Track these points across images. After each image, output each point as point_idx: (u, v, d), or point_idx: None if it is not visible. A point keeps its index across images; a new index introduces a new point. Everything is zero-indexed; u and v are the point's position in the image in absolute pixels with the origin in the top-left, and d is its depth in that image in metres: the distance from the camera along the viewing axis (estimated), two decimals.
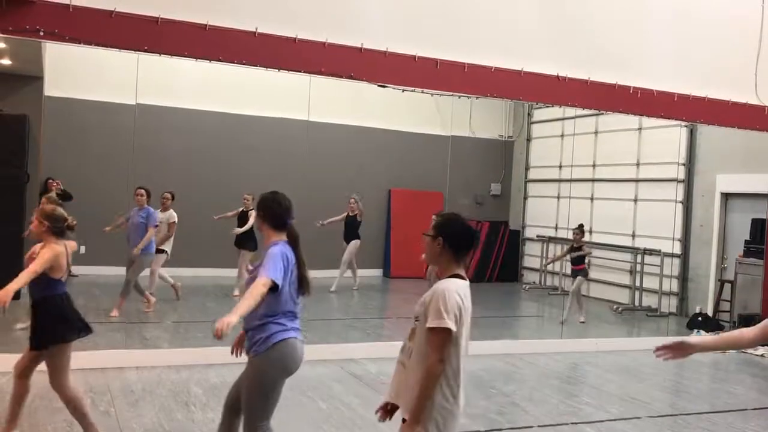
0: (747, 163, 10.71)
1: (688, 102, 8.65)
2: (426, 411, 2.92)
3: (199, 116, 12.38)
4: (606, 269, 12.89)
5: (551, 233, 13.96)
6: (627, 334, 10.85)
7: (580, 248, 10.51)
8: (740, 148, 10.69)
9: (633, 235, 12.47)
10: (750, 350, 9.24)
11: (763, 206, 10.32)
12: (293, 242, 3.84)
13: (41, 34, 5.91)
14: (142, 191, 8.85)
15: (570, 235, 12.67)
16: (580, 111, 11.80)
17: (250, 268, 3.79)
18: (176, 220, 9.51)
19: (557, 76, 7.99)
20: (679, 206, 11.70)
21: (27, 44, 7.61)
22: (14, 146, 9.35)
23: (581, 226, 10.84)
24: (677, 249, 11.72)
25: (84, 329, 4.49)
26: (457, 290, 2.99)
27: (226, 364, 6.57)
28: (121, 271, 9.14)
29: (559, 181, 13.90)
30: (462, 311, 2.98)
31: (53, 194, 7.53)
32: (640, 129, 12.32)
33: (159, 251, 9.51)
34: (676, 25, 8.62)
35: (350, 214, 11.71)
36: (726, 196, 11.22)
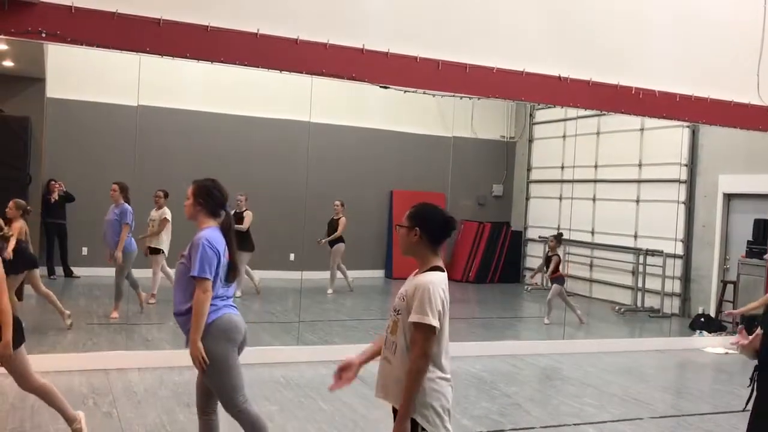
0: (749, 164, 10.69)
1: (690, 102, 8.65)
2: (420, 401, 2.93)
3: (200, 117, 12.38)
4: (608, 270, 12.87)
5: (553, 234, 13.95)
6: (629, 335, 10.84)
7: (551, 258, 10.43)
8: (742, 148, 10.68)
9: (635, 236, 12.46)
10: None
11: (766, 207, 10.31)
12: (227, 229, 3.88)
13: (43, 35, 5.93)
14: (116, 186, 8.51)
15: (572, 237, 12.69)
16: (582, 112, 11.77)
17: (184, 253, 3.81)
18: (169, 217, 9.39)
19: (559, 77, 7.99)
20: (682, 207, 11.68)
21: (29, 46, 7.62)
22: (16, 148, 9.36)
23: (558, 234, 10.83)
24: (679, 250, 11.70)
25: (22, 336, 4.37)
26: (440, 284, 2.97)
27: None
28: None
29: (561, 181, 13.89)
30: (445, 305, 2.97)
31: (21, 201, 7.41)
32: (642, 130, 12.31)
33: (156, 251, 9.44)
34: (678, 25, 8.62)
35: (334, 218, 11.67)
36: (728, 197, 11.20)
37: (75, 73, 11.20)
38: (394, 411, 3.06)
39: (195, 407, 5.47)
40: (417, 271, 3.11)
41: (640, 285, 12.20)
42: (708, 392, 7.39)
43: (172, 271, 9.75)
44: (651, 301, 12.07)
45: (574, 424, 5.80)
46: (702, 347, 9.45)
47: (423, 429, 2.96)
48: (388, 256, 14.02)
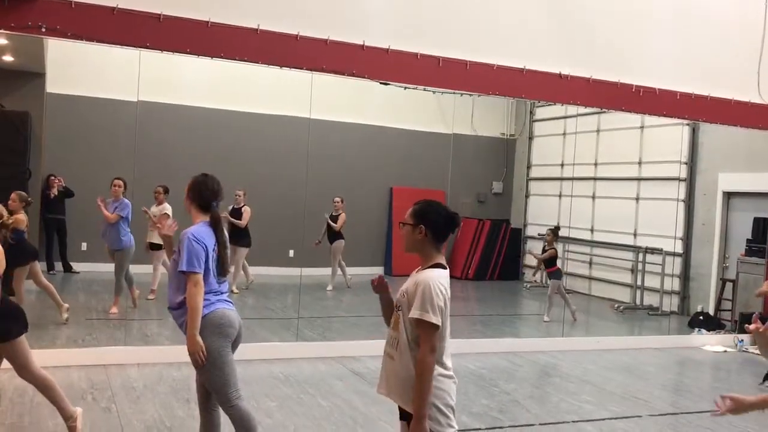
0: (749, 162, 10.69)
1: (691, 100, 8.65)
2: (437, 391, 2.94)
3: (200, 113, 12.38)
4: (607, 268, 12.88)
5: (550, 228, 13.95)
6: (628, 332, 10.85)
7: (548, 250, 10.42)
8: (742, 146, 10.68)
9: (635, 234, 12.46)
10: (752, 349, 9.24)
11: (765, 205, 10.31)
12: (215, 224, 3.88)
13: (43, 30, 5.92)
14: (120, 182, 8.54)
15: (571, 234, 12.69)
16: (582, 109, 11.77)
17: (175, 249, 3.84)
18: (170, 212, 9.38)
19: (559, 75, 7.98)
20: (681, 205, 11.68)
21: (29, 41, 7.62)
22: (16, 143, 9.37)
23: (555, 228, 10.83)
24: (679, 248, 11.71)
25: (24, 326, 4.37)
26: (440, 281, 2.97)
27: None
28: None
29: (561, 179, 13.89)
30: (446, 302, 2.98)
31: (22, 193, 7.43)
32: (642, 127, 12.30)
33: (156, 246, 9.41)
34: (678, 23, 8.61)
35: (334, 214, 11.64)
36: (728, 195, 11.20)
37: (75, 69, 11.19)
38: (401, 408, 3.06)
39: (194, 403, 5.49)
40: (419, 267, 3.11)
41: (639, 283, 12.20)
42: (706, 390, 7.39)
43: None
44: (650, 299, 12.07)
45: (573, 422, 5.81)
46: (701, 345, 9.45)
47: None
48: (388, 252, 14.02)
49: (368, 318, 9.92)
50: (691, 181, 11.72)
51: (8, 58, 9.49)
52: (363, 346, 7.59)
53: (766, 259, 9.93)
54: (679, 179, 11.74)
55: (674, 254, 11.71)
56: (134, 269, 8.81)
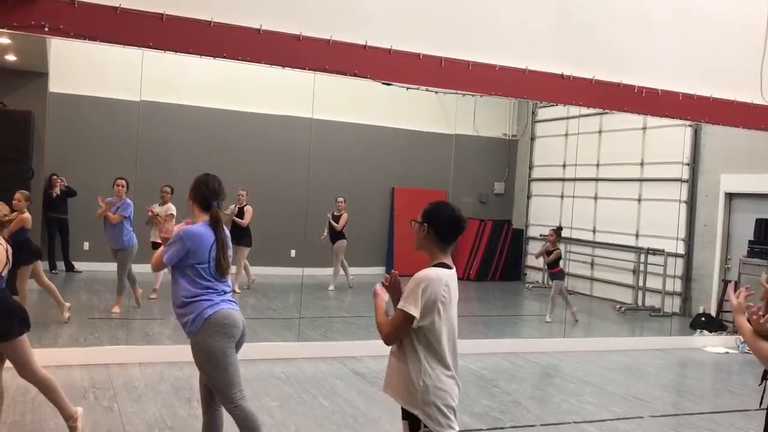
0: (751, 163, 10.68)
1: (693, 101, 8.64)
2: (423, 399, 2.95)
3: (203, 113, 12.39)
4: (609, 269, 12.87)
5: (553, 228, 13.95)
6: (630, 333, 10.84)
7: (553, 252, 10.40)
8: (745, 148, 10.67)
9: (636, 235, 12.45)
10: None
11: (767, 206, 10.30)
12: (215, 224, 3.87)
13: (46, 29, 5.93)
14: (123, 182, 8.56)
15: (573, 235, 12.69)
16: (584, 110, 11.76)
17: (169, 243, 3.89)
18: (174, 212, 9.41)
19: (562, 75, 7.98)
20: (683, 206, 11.67)
21: (32, 40, 7.63)
22: (19, 142, 9.37)
23: (558, 228, 10.82)
24: (681, 249, 11.70)
25: (26, 325, 4.38)
26: (439, 280, 2.98)
27: None
28: None
29: (563, 180, 13.88)
30: (445, 302, 2.97)
31: (25, 192, 7.47)
32: (644, 128, 12.30)
33: (159, 246, 9.42)
34: (680, 24, 8.60)
35: (336, 214, 11.64)
36: (730, 196, 11.20)
37: (78, 68, 11.20)
38: (403, 409, 3.06)
39: (195, 402, 5.49)
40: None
41: (641, 284, 12.20)
42: (708, 391, 7.39)
43: None
44: (652, 300, 12.07)
45: (575, 422, 5.80)
46: (702, 346, 9.45)
47: (426, 427, 2.96)
48: (390, 252, 14.03)
49: (370, 318, 9.91)
50: (693, 182, 11.71)
51: (11, 57, 9.51)
52: (364, 346, 7.59)
53: None
54: (681, 180, 11.73)
55: (676, 255, 11.70)
56: (137, 268, 8.81)
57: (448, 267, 3.07)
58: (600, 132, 13.20)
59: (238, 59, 6.61)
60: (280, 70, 6.93)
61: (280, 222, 11.94)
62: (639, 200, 12.51)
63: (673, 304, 11.75)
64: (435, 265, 3.06)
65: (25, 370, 4.37)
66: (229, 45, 6.51)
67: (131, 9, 6.10)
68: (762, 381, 3.47)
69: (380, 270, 14.01)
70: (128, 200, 8.59)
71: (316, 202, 11.11)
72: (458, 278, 3.23)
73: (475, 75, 7.58)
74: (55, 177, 11.04)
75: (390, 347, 3.12)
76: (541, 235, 14.17)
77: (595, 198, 13.27)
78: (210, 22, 6.39)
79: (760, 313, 3.05)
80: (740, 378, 8.04)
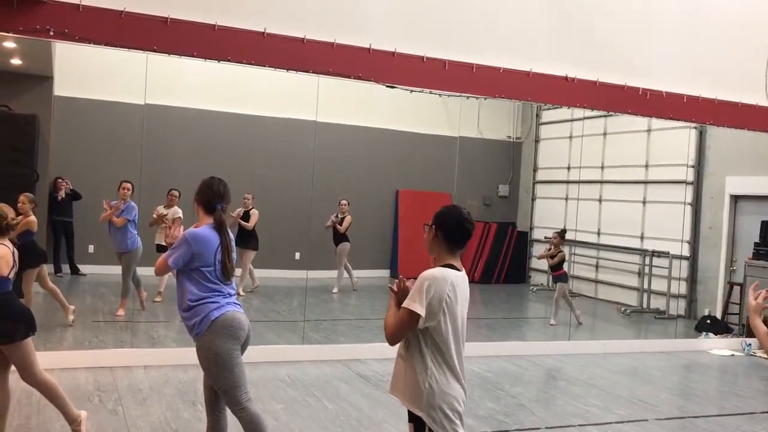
0: (756, 165, 10.66)
1: (698, 103, 8.62)
2: (428, 402, 2.95)
3: (207, 116, 12.41)
4: (614, 271, 12.84)
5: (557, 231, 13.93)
6: (635, 336, 10.81)
7: (557, 254, 10.38)
8: (750, 149, 10.64)
9: (641, 237, 12.42)
10: (759, 353, 9.20)
11: None
12: (219, 227, 3.88)
13: (51, 33, 5.95)
14: (128, 185, 8.58)
15: (578, 238, 12.66)
16: (588, 112, 11.76)
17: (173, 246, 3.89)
18: (181, 215, 9.47)
19: (566, 77, 7.98)
20: (688, 208, 11.65)
21: (37, 44, 7.65)
22: (24, 146, 9.40)
23: (563, 231, 10.80)
24: (686, 251, 11.66)
25: (31, 329, 4.39)
26: (444, 279, 2.98)
27: None
28: None
29: (568, 182, 13.86)
30: (449, 302, 2.97)
31: (30, 195, 7.51)
32: (648, 130, 12.28)
33: (164, 249, 9.46)
34: (685, 26, 8.59)
35: (339, 215, 11.65)
36: (735, 198, 11.17)
37: (82, 71, 11.24)
38: (409, 412, 3.06)
39: (200, 405, 5.50)
40: None
41: (646, 286, 12.17)
42: (714, 394, 7.36)
43: None
44: (657, 303, 12.03)
45: (579, 425, 5.79)
46: (708, 349, 9.42)
47: (430, 431, 2.95)
48: (394, 255, 14.02)
49: (374, 321, 9.92)
50: (698, 184, 11.69)
51: (16, 61, 9.54)
52: (369, 349, 7.59)
53: None
54: (686, 182, 11.70)
55: (681, 257, 11.66)
56: (141, 271, 8.83)
57: (456, 269, 3.07)
58: (604, 134, 13.18)
59: (243, 62, 6.63)
60: (285, 73, 6.94)
61: (284, 225, 11.95)
62: (644, 202, 12.48)
63: (678, 307, 11.71)
64: (442, 266, 3.06)
65: (28, 373, 4.37)
66: (234, 48, 6.52)
67: (135, 13, 6.12)
68: None
69: (384, 273, 14.02)
70: (132, 203, 8.60)
71: (320, 204, 11.13)
72: None
73: (479, 77, 7.58)
74: (60, 180, 11.07)
75: (398, 349, 3.13)
76: (545, 238, 14.15)
77: (600, 200, 13.24)
78: (214, 25, 6.40)
79: None
80: (746, 381, 8.01)
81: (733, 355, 9.17)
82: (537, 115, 15.00)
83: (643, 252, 12.23)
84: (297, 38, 6.73)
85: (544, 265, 13.36)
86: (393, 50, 7.11)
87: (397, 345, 3.12)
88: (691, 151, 11.64)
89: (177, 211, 9.43)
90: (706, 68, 8.71)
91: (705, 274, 11.53)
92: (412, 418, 3.03)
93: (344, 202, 11.63)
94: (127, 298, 8.65)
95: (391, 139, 13.91)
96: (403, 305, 2.97)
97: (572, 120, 13.61)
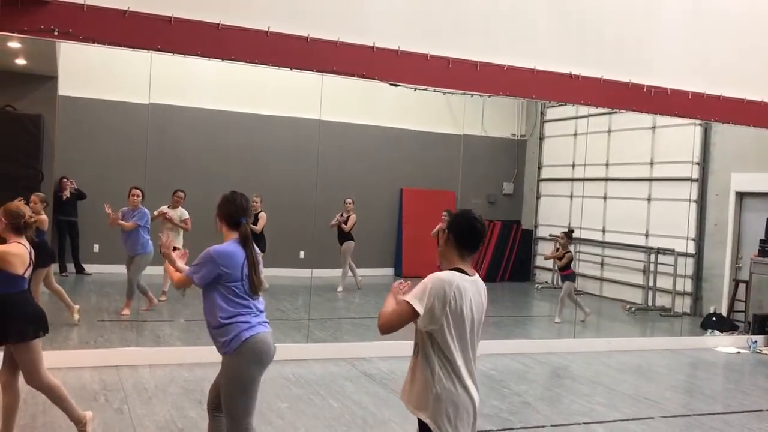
0: (762, 162, 10.62)
1: (703, 100, 8.59)
2: (435, 407, 2.93)
3: (211, 115, 12.43)
4: (619, 269, 12.82)
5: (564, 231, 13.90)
6: (640, 334, 10.79)
7: (564, 255, 10.36)
8: (755, 146, 10.61)
9: (646, 235, 12.40)
10: (765, 350, 9.18)
11: None
12: (244, 241, 3.85)
13: (56, 33, 5.96)
14: (138, 191, 8.67)
15: (582, 235, 12.64)
16: (593, 110, 11.74)
17: (196, 263, 3.82)
18: (187, 216, 9.55)
19: (570, 75, 7.96)
20: (693, 205, 11.62)
21: (41, 44, 7.67)
22: (29, 145, 9.42)
23: (570, 231, 10.78)
24: (691, 248, 11.64)
25: (43, 329, 4.39)
26: (449, 282, 2.94)
27: None
28: None
29: (572, 180, 13.84)
30: (453, 306, 2.92)
31: (41, 194, 7.56)
32: (653, 128, 12.25)
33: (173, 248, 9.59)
34: (690, 22, 8.56)
35: (344, 214, 11.66)
36: (741, 195, 11.13)
37: (87, 71, 11.27)
38: (419, 421, 3.02)
39: (205, 404, 5.52)
40: None
41: (651, 284, 12.15)
42: (719, 392, 7.35)
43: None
44: (662, 300, 12.01)
45: (584, 423, 5.78)
46: (714, 346, 9.39)
47: None
48: (398, 253, 14.02)
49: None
50: (703, 182, 11.65)
51: (21, 61, 9.57)
52: (374, 348, 7.60)
53: None
54: (691, 179, 11.67)
55: (686, 255, 11.63)
56: (153, 270, 8.93)
57: (463, 272, 3.04)
58: (609, 131, 13.15)
59: (246, 62, 6.63)
60: (289, 72, 6.95)
61: (289, 223, 11.96)
62: (649, 200, 12.45)
63: (683, 304, 11.69)
64: (450, 270, 3.03)
65: (32, 376, 4.37)
66: (238, 47, 6.52)
67: (139, 12, 6.12)
68: None
69: (389, 271, 14.03)
70: (144, 209, 8.70)
71: (325, 203, 11.13)
72: None
73: (483, 75, 7.57)
74: (65, 180, 11.10)
75: (411, 355, 3.09)
76: (550, 236, 14.14)
77: (605, 198, 13.22)
78: (218, 24, 6.40)
79: None
80: (752, 378, 7.98)
81: (738, 352, 9.15)
82: (541, 113, 14.98)
83: (648, 249, 12.20)
84: (301, 37, 6.73)
85: (549, 263, 13.37)
86: (397, 48, 7.11)
87: (407, 350, 3.12)
88: (696, 148, 11.60)
89: (183, 213, 9.49)
90: (711, 65, 8.68)
91: (710, 271, 11.50)
92: (420, 422, 3.00)
93: (349, 200, 11.63)
94: (132, 299, 8.69)
95: (395, 137, 13.91)
96: (403, 298, 2.97)
97: (577, 117, 13.59)
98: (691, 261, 11.67)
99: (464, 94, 8.37)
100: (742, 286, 10.66)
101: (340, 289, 11.57)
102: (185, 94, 11.91)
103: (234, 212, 3.89)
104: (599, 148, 13.20)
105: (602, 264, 13.13)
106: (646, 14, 8.38)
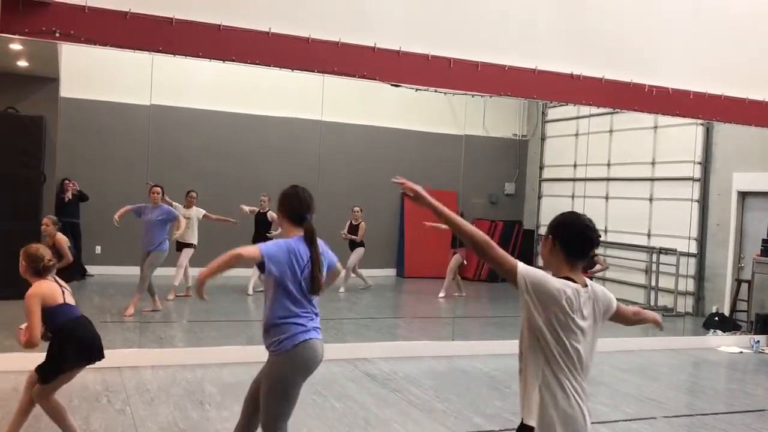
0: (764, 162, 10.61)
1: (704, 100, 8.58)
2: (546, 417, 2.64)
3: (213, 116, 12.44)
4: (621, 269, 12.81)
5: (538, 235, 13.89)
6: (642, 333, 10.72)
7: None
8: (757, 146, 10.60)
9: (648, 234, 12.38)
10: None
11: None
12: (309, 238, 3.71)
13: (57, 35, 5.96)
14: (158, 189, 8.94)
15: None
16: (594, 109, 11.73)
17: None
18: (201, 214, 9.99)
19: (571, 75, 7.95)
20: (695, 205, 11.60)
21: (43, 46, 7.68)
22: (31, 147, 9.44)
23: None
24: (693, 248, 11.62)
25: (92, 357, 4.46)
26: (564, 285, 2.66)
27: (240, 363, 6.61)
28: (134, 270, 9.20)
29: (574, 180, 13.83)
30: (560, 314, 2.63)
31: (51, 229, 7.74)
32: (655, 127, 12.23)
33: (188, 246, 9.80)
34: (691, 22, 8.55)
35: (353, 223, 11.74)
36: (743, 195, 11.12)
37: (88, 73, 11.28)
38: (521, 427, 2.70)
39: (208, 405, 5.52)
40: None
41: (653, 284, 12.13)
42: (722, 391, 7.34)
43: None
44: (664, 300, 12.00)
45: None
46: (716, 346, 9.38)
47: None
48: (400, 254, 14.02)
49: (380, 320, 9.93)
50: (705, 181, 11.64)
51: (23, 63, 9.58)
52: (375, 348, 7.58)
53: None
54: (693, 179, 11.66)
55: (688, 255, 11.62)
56: (163, 271, 9.05)
57: (575, 282, 2.73)
58: (611, 131, 13.14)
59: (248, 62, 6.63)
60: (290, 73, 6.95)
61: None
62: (650, 200, 12.44)
63: (685, 304, 11.68)
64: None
65: (43, 395, 4.36)
66: (239, 48, 6.53)
67: (141, 14, 6.13)
68: None
69: (391, 272, 14.02)
70: (165, 206, 8.97)
71: (326, 204, 11.05)
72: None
73: (485, 75, 7.57)
74: (67, 182, 11.11)
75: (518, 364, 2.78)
76: None
77: (607, 198, 13.21)
78: (219, 25, 6.41)
79: None
80: (755, 378, 7.97)
81: (741, 352, 9.13)
82: (543, 113, 14.97)
83: (650, 249, 12.19)
84: (302, 38, 6.73)
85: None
86: (398, 49, 7.11)
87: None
88: (698, 148, 11.59)
89: (199, 211, 9.98)
90: (713, 64, 8.67)
91: (713, 271, 11.48)
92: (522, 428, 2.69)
93: (357, 208, 11.70)
94: (142, 294, 8.74)
95: (396, 137, 13.91)
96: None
97: (578, 117, 13.58)
98: (693, 261, 11.66)
99: (465, 94, 8.36)
100: (744, 286, 10.64)
101: (342, 289, 11.57)
102: (186, 96, 11.92)
103: (299, 208, 3.76)
104: (601, 148, 13.19)
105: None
106: (647, 14, 8.37)
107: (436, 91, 8.11)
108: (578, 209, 13.12)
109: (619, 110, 10.81)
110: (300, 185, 3.86)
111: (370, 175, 13.58)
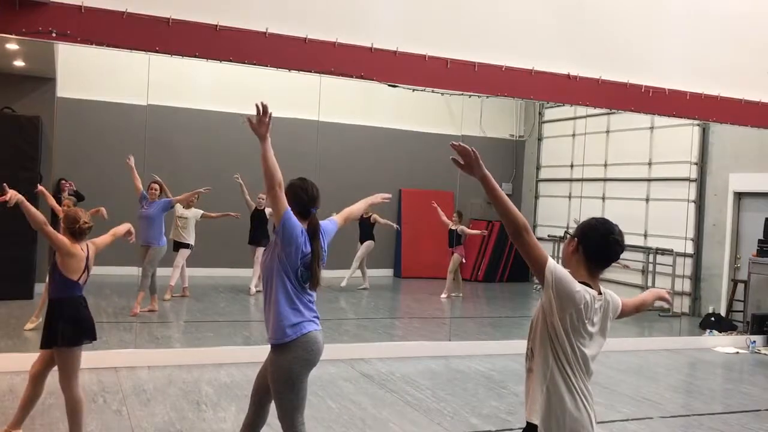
0: (760, 162, 10.63)
1: (701, 101, 8.61)
2: (551, 417, 2.65)
3: (210, 116, 12.42)
4: (617, 269, 12.81)
5: (563, 233, 13.90)
6: (639, 334, 10.78)
7: None
8: (753, 146, 10.62)
9: (645, 235, 12.40)
10: (764, 350, 9.19)
11: None
12: (312, 232, 3.70)
13: (54, 35, 5.96)
14: (156, 185, 9.00)
15: None
16: (591, 110, 11.75)
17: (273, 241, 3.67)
18: (199, 215, 10.06)
19: (568, 75, 7.96)
20: (692, 205, 11.62)
21: (40, 46, 7.67)
22: (27, 147, 9.42)
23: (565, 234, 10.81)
24: (690, 248, 11.65)
25: (91, 335, 4.50)
26: (583, 290, 2.67)
27: (236, 364, 6.61)
28: (131, 270, 9.19)
29: (571, 180, 13.85)
30: (575, 317, 2.64)
31: (66, 194, 7.80)
32: (652, 128, 12.25)
33: (184, 246, 9.81)
34: (688, 23, 8.57)
35: (364, 216, 11.77)
36: (739, 195, 11.14)
37: (85, 73, 11.26)
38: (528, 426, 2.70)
39: (204, 405, 5.52)
40: None
41: (649, 284, 12.15)
42: (718, 392, 7.35)
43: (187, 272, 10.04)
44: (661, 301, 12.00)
45: None
46: (712, 347, 9.40)
47: None
48: (397, 254, 14.02)
49: (378, 320, 9.93)
50: (701, 182, 11.66)
51: (19, 63, 9.56)
52: (372, 349, 7.58)
53: None
54: (689, 180, 11.68)
55: (685, 255, 11.64)
56: (161, 271, 9.08)
57: (591, 287, 2.73)
58: (607, 132, 13.16)
59: (245, 63, 6.64)
60: (287, 73, 6.96)
61: None
62: (647, 200, 12.46)
63: (682, 304, 11.69)
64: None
65: (68, 382, 4.38)
66: (236, 48, 6.53)
67: (137, 14, 6.13)
68: None
69: (388, 272, 14.02)
70: (162, 200, 9.04)
71: (323, 204, 11.08)
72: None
73: (482, 76, 7.58)
74: (63, 182, 11.07)
75: (525, 363, 2.80)
76: (549, 236, 14.15)
77: (603, 198, 13.23)
78: (216, 26, 6.40)
79: None
80: (751, 378, 7.99)
81: (737, 352, 9.15)
82: (540, 114, 14.99)
83: (646, 250, 12.21)
84: (299, 38, 6.73)
85: None
86: (395, 49, 7.11)
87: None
88: (695, 149, 11.61)
89: (197, 212, 10.07)
90: (709, 65, 8.69)
91: (709, 271, 11.50)
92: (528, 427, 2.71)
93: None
94: (146, 291, 8.74)
95: (393, 138, 13.91)
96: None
97: (575, 118, 13.60)
98: (689, 261, 11.68)
99: (462, 94, 8.36)
100: (740, 286, 10.67)
101: (343, 283, 11.62)
102: (183, 96, 11.91)
103: (306, 201, 3.75)
104: (597, 149, 13.21)
105: None
106: (644, 15, 8.38)
107: (433, 91, 8.12)
108: (575, 210, 13.21)
109: (615, 111, 10.82)
110: (308, 179, 3.87)
111: (367, 175, 13.56)
